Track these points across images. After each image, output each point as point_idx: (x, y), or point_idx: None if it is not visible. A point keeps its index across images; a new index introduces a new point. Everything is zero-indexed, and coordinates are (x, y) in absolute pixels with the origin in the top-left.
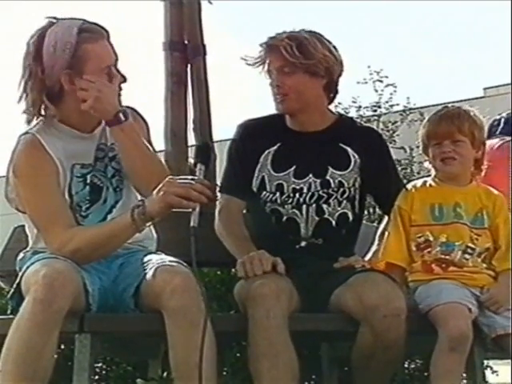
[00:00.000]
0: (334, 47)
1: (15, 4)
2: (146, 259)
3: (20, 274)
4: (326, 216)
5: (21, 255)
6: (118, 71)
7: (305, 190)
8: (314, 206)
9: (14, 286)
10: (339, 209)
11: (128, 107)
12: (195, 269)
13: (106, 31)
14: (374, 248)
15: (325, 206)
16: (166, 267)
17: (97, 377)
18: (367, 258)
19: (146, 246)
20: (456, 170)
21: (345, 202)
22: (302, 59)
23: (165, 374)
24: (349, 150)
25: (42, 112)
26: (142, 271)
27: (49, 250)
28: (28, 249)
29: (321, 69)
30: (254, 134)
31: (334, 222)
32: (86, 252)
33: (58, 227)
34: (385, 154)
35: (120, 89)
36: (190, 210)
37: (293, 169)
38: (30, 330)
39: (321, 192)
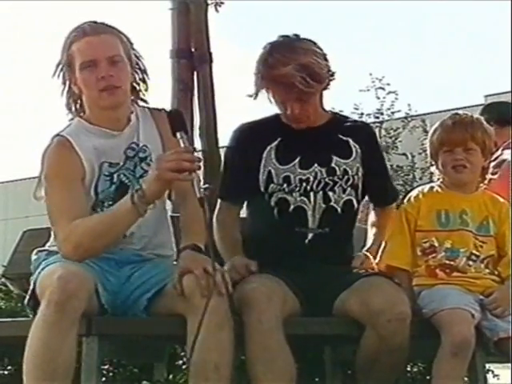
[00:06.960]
0: (319, 48)
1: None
2: (171, 264)
3: (34, 276)
4: (332, 203)
5: (35, 253)
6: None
7: (311, 179)
8: (320, 193)
9: (29, 292)
10: (344, 196)
11: (157, 109)
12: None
13: (100, 27)
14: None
15: (331, 194)
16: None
17: (104, 379)
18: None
19: (161, 255)
20: (467, 177)
21: (349, 189)
22: (317, 86)
23: (170, 376)
24: (350, 140)
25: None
26: (170, 274)
27: (56, 243)
28: (46, 247)
29: (327, 81)
30: (251, 134)
31: (339, 210)
32: (89, 242)
33: (65, 220)
34: (379, 149)
35: (134, 80)
36: (189, 180)
37: (298, 160)
38: (47, 332)
39: (327, 179)
